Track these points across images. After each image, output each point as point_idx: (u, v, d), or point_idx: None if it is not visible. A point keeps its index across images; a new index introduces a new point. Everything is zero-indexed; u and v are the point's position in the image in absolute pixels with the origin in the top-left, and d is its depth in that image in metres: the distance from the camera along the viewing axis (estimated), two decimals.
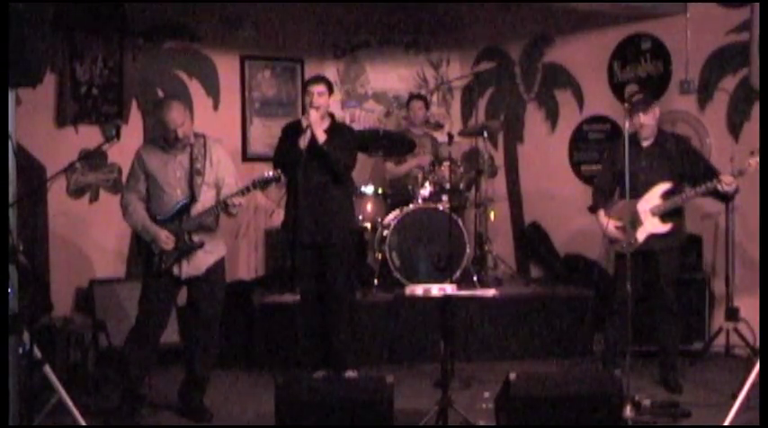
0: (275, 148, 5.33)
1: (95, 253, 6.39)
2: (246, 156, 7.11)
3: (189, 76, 6.84)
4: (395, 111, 7.61)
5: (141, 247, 4.65)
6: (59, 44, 6.20)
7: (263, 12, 7.01)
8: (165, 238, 4.49)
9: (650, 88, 6.36)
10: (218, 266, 4.69)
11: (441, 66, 7.71)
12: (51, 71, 6.10)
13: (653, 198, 5.04)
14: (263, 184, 4.55)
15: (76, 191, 6.41)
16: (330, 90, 5.21)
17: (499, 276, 6.78)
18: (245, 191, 4.48)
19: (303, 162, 5.06)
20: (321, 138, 5.05)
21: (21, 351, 4.03)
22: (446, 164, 6.38)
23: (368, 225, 6.31)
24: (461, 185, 6.57)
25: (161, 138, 4.61)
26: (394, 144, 6.38)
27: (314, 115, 5.06)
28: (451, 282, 5.34)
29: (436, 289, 4.39)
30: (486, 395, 4.82)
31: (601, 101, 6.90)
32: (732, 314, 5.82)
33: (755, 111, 5.94)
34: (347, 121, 7.33)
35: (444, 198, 6.37)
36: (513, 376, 4.02)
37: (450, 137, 6.00)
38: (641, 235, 5.04)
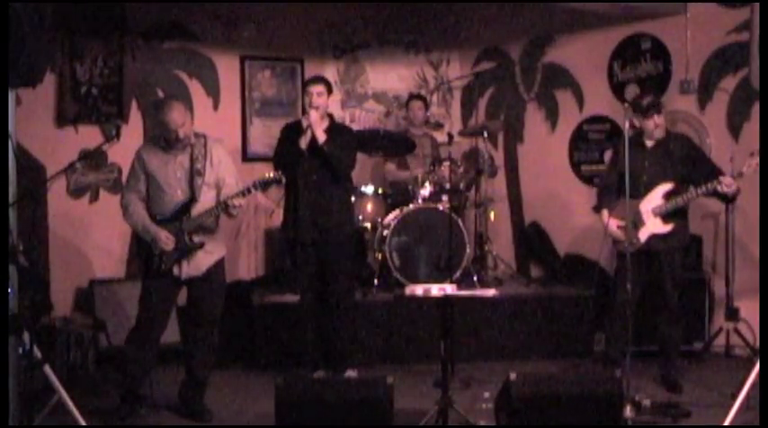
0: (275, 149, 5.33)
1: (95, 253, 6.39)
2: (246, 156, 7.11)
3: (189, 76, 6.84)
4: (395, 111, 7.61)
5: (141, 247, 4.65)
6: (59, 44, 6.20)
7: (263, 12, 7.00)
8: (165, 239, 4.49)
9: (650, 88, 6.35)
10: (219, 266, 4.69)
11: (441, 66, 7.71)
12: (51, 71, 6.10)
13: (655, 198, 5.04)
14: (263, 185, 4.55)
15: (76, 191, 6.42)
16: (329, 90, 5.22)
17: (499, 276, 6.78)
18: (245, 192, 4.48)
19: (303, 162, 5.07)
20: (321, 138, 5.06)
21: (21, 351, 4.03)
22: (446, 164, 6.38)
23: (368, 225, 6.31)
24: (461, 185, 6.57)
25: (161, 138, 4.61)
26: (394, 144, 6.39)
27: (314, 115, 5.06)
28: (451, 282, 5.33)
29: (436, 289, 4.39)
30: (486, 395, 4.82)
31: (601, 101, 6.90)
32: (732, 314, 5.82)
33: (755, 111, 5.94)
34: (347, 121, 7.33)
35: (444, 198, 6.37)
36: (513, 376, 4.03)
37: (450, 137, 6.00)
38: (643, 235, 5.04)
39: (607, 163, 5.80)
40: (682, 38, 6.30)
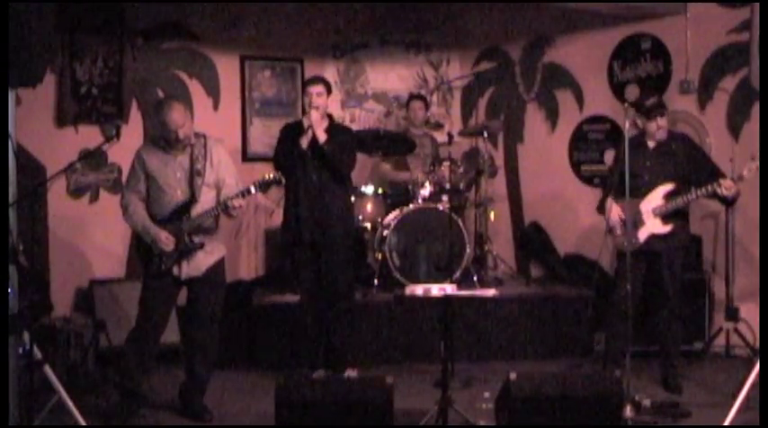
0: (275, 149, 5.34)
1: (95, 253, 6.39)
2: (246, 156, 7.11)
3: (189, 76, 6.84)
4: (395, 111, 7.61)
5: (141, 248, 4.65)
6: (59, 44, 6.20)
7: (263, 12, 7.00)
8: (165, 239, 4.49)
9: (650, 88, 6.35)
10: (218, 267, 4.69)
11: (441, 66, 7.71)
12: (51, 71, 6.10)
13: (656, 198, 5.04)
14: (263, 186, 4.55)
15: (76, 192, 6.41)
16: (328, 90, 5.23)
17: (499, 276, 6.78)
18: (245, 193, 4.48)
19: (304, 162, 5.07)
20: (322, 138, 5.06)
21: (21, 351, 4.03)
22: (446, 164, 6.38)
23: (368, 225, 6.31)
24: (461, 185, 6.57)
25: (161, 138, 4.61)
26: (394, 144, 6.39)
27: (315, 115, 5.07)
28: (451, 282, 5.33)
29: (436, 289, 4.39)
30: (486, 395, 4.82)
31: (601, 101, 6.89)
32: (732, 314, 5.82)
33: (755, 111, 5.94)
34: (347, 121, 7.33)
35: (444, 198, 6.37)
36: (513, 376, 4.03)
37: (450, 137, 6.00)
38: (642, 235, 5.04)
39: (610, 163, 5.80)
40: (682, 38, 6.30)
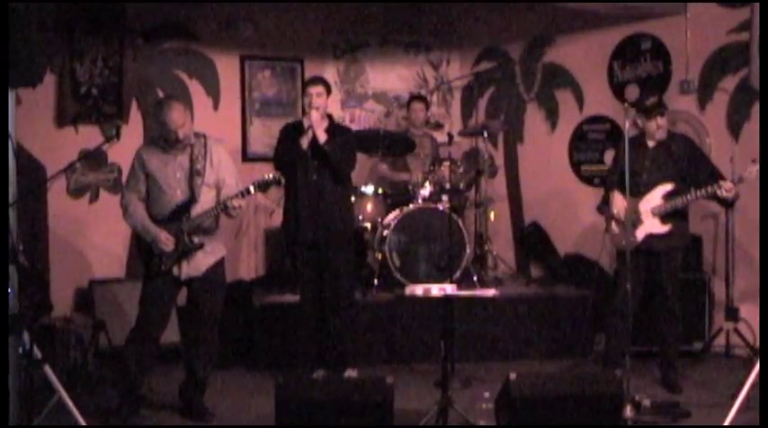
0: (275, 149, 5.34)
1: (95, 253, 6.39)
2: (246, 156, 7.11)
3: (189, 76, 6.84)
4: (395, 111, 7.61)
5: (141, 248, 4.65)
6: (59, 44, 6.20)
7: (263, 12, 7.01)
8: (165, 239, 4.49)
9: (650, 88, 6.35)
10: (218, 267, 4.69)
11: (441, 66, 7.71)
12: (51, 71, 6.11)
13: (654, 198, 5.04)
14: (262, 186, 4.54)
15: (76, 192, 6.42)
16: (328, 91, 5.23)
17: (499, 276, 6.78)
18: (244, 193, 4.48)
19: (304, 162, 5.07)
20: (322, 138, 5.07)
21: (21, 351, 4.03)
22: (446, 164, 6.38)
23: (368, 225, 6.31)
24: (461, 185, 6.57)
25: (161, 138, 4.60)
26: (394, 144, 6.38)
27: (315, 115, 5.07)
28: (451, 282, 5.33)
29: (436, 289, 4.39)
30: (486, 395, 4.82)
31: (601, 101, 6.90)
32: (732, 314, 5.82)
33: (755, 111, 5.94)
34: (347, 121, 7.33)
35: (444, 198, 6.36)
36: (513, 376, 4.03)
37: (450, 137, 6.00)
38: (640, 234, 5.05)
39: (609, 162, 5.80)
40: (682, 38, 6.30)
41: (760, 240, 5.43)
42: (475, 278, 6.28)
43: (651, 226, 5.04)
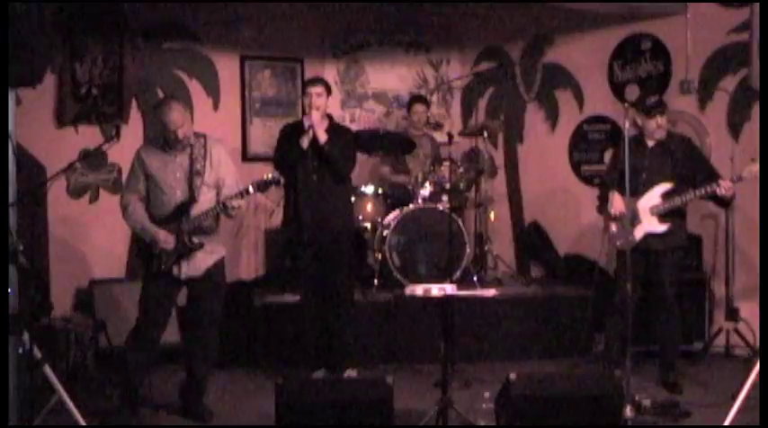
0: (275, 149, 5.34)
1: (95, 253, 6.39)
2: (246, 156, 7.11)
3: (189, 76, 6.84)
4: (395, 111, 7.61)
5: (141, 248, 4.65)
6: (59, 44, 6.20)
7: (263, 12, 7.00)
8: (165, 238, 4.49)
9: (651, 88, 6.35)
10: (218, 267, 4.69)
11: (441, 66, 7.71)
12: (51, 71, 6.10)
13: (653, 197, 5.05)
14: (262, 187, 4.54)
15: (76, 192, 6.42)
16: (328, 91, 5.24)
17: (499, 276, 6.78)
18: (244, 193, 4.48)
19: (304, 162, 5.07)
20: (323, 138, 5.07)
21: (21, 351, 4.03)
22: (446, 164, 6.38)
23: (368, 225, 6.31)
24: (461, 185, 6.57)
25: (161, 138, 4.60)
26: (394, 144, 6.39)
27: (316, 115, 5.07)
28: (451, 282, 5.33)
29: (436, 290, 4.38)
30: (487, 395, 4.82)
31: (601, 101, 6.90)
32: (732, 314, 5.82)
33: (755, 111, 5.94)
34: (347, 121, 7.33)
35: (444, 198, 6.37)
36: (513, 376, 4.03)
37: (450, 137, 6.00)
38: (638, 233, 5.05)
39: (608, 161, 5.81)
40: (682, 38, 6.30)
41: (760, 240, 5.43)
42: (475, 278, 6.28)
43: (649, 225, 5.05)
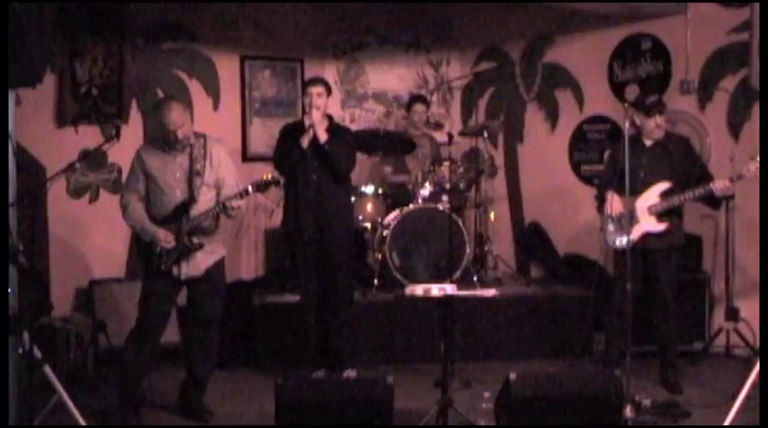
0: (274, 149, 5.34)
1: (95, 253, 6.39)
2: (246, 156, 7.10)
3: (189, 76, 6.84)
4: (395, 111, 7.60)
5: (141, 248, 4.65)
6: (59, 44, 6.20)
7: (263, 12, 7.00)
8: (165, 236, 4.49)
9: (650, 88, 6.35)
10: (218, 267, 4.69)
11: (441, 66, 7.70)
12: (51, 71, 6.10)
13: (651, 196, 5.05)
14: (261, 187, 4.55)
15: (76, 192, 6.42)
16: (328, 91, 5.24)
17: (499, 276, 6.78)
18: (243, 193, 4.48)
19: (304, 161, 5.07)
20: (323, 137, 5.07)
21: (21, 351, 4.03)
22: (446, 164, 6.38)
23: (368, 225, 6.31)
24: (461, 185, 6.56)
25: (161, 138, 4.60)
26: (394, 144, 6.39)
27: (316, 115, 5.07)
28: (451, 282, 5.33)
29: (436, 290, 4.38)
30: (487, 395, 4.82)
31: (601, 101, 6.90)
32: (732, 314, 5.82)
33: (755, 111, 5.95)
34: (347, 121, 7.32)
35: (444, 198, 6.37)
36: (513, 376, 4.03)
37: (450, 137, 5.99)
38: (636, 232, 5.05)
39: (606, 161, 5.81)
40: (682, 38, 6.30)
41: (760, 240, 5.42)
42: (475, 278, 6.27)
43: (648, 224, 5.05)
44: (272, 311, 5.84)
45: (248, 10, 6.94)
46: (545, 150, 7.29)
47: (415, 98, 7.00)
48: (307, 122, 5.08)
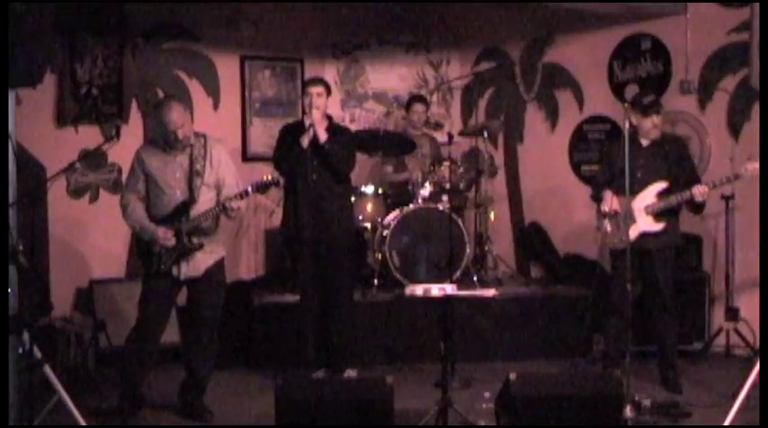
0: (274, 149, 5.34)
1: (95, 253, 6.39)
2: (246, 156, 7.11)
3: (189, 76, 6.84)
4: (395, 111, 7.61)
5: (141, 248, 4.64)
6: (59, 44, 6.20)
7: (263, 12, 7.01)
8: (164, 234, 4.48)
9: (650, 88, 6.35)
10: (218, 267, 4.69)
11: (441, 66, 7.71)
12: (51, 71, 6.10)
13: (648, 196, 5.06)
14: (261, 188, 4.55)
15: (76, 192, 6.42)
16: (328, 91, 5.24)
17: (499, 276, 6.78)
18: (243, 194, 4.48)
19: (304, 161, 5.07)
20: (323, 136, 5.07)
21: (21, 351, 4.03)
22: (446, 164, 6.38)
23: (368, 225, 6.31)
24: (461, 185, 6.56)
25: (161, 138, 4.60)
26: (394, 144, 6.39)
27: (316, 114, 5.07)
28: (451, 282, 5.33)
29: (436, 290, 4.39)
30: (487, 395, 4.82)
31: (601, 101, 6.90)
32: (732, 314, 5.82)
33: (755, 111, 5.94)
34: (347, 121, 7.33)
35: (444, 198, 6.36)
36: (513, 376, 4.03)
37: (450, 137, 5.99)
38: (633, 232, 5.05)
39: (602, 160, 5.82)
40: (682, 38, 6.30)
41: (760, 240, 5.43)
42: (475, 278, 6.28)
43: (644, 224, 5.06)
44: (272, 311, 5.84)
45: (248, 10, 6.94)
46: (545, 150, 7.29)
47: (415, 98, 7.00)
48: (307, 122, 5.08)
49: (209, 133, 4.73)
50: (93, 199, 6.47)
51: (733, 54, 6.08)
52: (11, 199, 4.07)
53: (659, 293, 5.13)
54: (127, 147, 5.07)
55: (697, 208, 5.07)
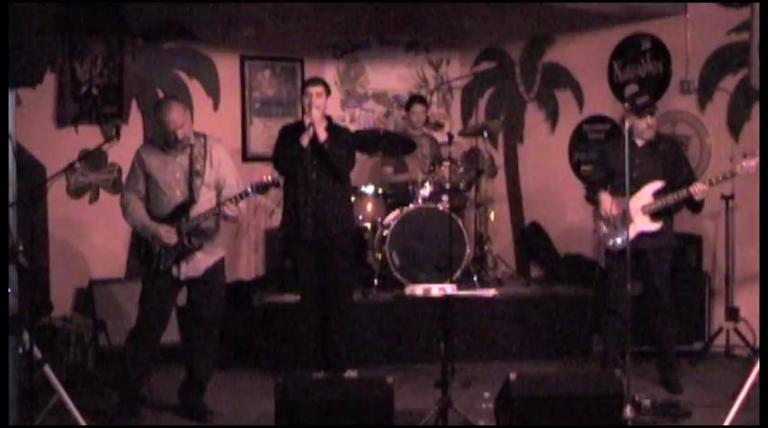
0: (274, 149, 5.34)
1: (95, 253, 6.39)
2: (246, 156, 7.11)
3: (189, 76, 6.84)
4: (395, 111, 7.61)
5: (140, 247, 4.64)
6: (59, 44, 6.20)
7: (263, 12, 7.00)
8: (166, 232, 4.48)
9: (650, 88, 6.36)
10: (218, 267, 4.69)
11: (441, 66, 7.71)
12: (51, 71, 6.10)
13: (644, 196, 5.06)
14: (261, 189, 4.54)
15: (76, 192, 6.42)
16: (327, 91, 5.24)
17: (499, 276, 6.78)
18: (242, 195, 4.48)
19: (303, 161, 5.07)
20: (323, 136, 5.06)
21: (21, 351, 4.03)
22: (446, 164, 6.37)
23: (368, 225, 6.31)
24: (461, 185, 6.56)
25: (161, 138, 4.60)
26: (394, 144, 6.38)
27: (316, 114, 5.07)
28: (451, 282, 5.33)
29: (436, 290, 4.39)
30: (487, 395, 4.81)
31: (601, 101, 6.90)
32: (732, 314, 5.82)
33: (755, 111, 5.94)
34: (347, 121, 7.33)
35: (444, 198, 6.37)
36: (513, 376, 4.03)
37: (450, 137, 5.99)
38: (631, 232, 5.04)
39: (595, 160, 5.82)
40: (682, 38, 6.30)
41: (760, 240, 5.43)
42: (475, 278, 6.28)
43: (641, 224, 5.06)
44: (272, 311, 5.84)
45: (248, 10, 6.94)
46: (545, 150, 7.29)
47: (414, 98, 7.00)
48: (306, 121, 5.08)
49: (209, 133, 4.73)
50: (93, 199, 6.47)
51: (733, 54, 6.08)
52: (11, 199, 4.07)
53: (657, 293, 5.14)
54: (127, 147, 5.07)
55: (696, 206, 5.07)
